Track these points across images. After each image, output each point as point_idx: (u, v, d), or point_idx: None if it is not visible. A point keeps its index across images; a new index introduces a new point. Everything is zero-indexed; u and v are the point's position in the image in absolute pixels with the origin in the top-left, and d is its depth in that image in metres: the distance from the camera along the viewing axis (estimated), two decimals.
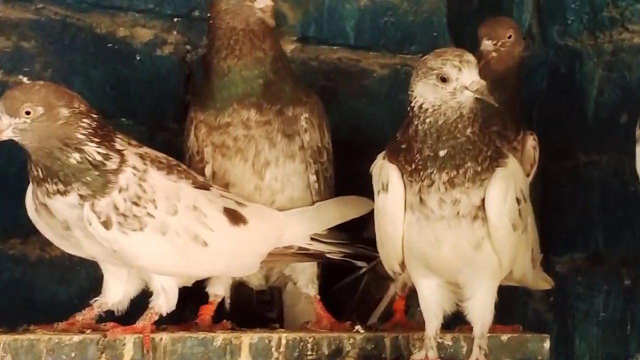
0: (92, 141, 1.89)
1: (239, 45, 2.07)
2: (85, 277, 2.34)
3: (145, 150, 1.97)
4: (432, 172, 1.84)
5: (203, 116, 2.11)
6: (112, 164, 1.90)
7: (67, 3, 2.37)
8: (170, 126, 2.44)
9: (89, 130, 1.89)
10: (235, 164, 2.10)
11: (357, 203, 2.16)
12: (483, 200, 1.85)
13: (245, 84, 2.07)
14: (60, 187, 1.87)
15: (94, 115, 1.91)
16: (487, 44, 2.20)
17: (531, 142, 2.25)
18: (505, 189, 1.86)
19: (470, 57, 1.84)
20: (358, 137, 2.50)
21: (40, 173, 1.87)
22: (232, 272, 2.08)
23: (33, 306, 2.30)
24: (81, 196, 1.87)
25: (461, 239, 1.86)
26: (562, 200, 2.40)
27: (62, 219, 1.90)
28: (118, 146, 1.92)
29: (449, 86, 1.82)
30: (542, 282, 2.19)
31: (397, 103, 2.54)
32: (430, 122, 1.84)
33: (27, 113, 1.85)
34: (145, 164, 1.93)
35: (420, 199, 1.85)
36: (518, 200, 1.89)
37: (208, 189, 2.01)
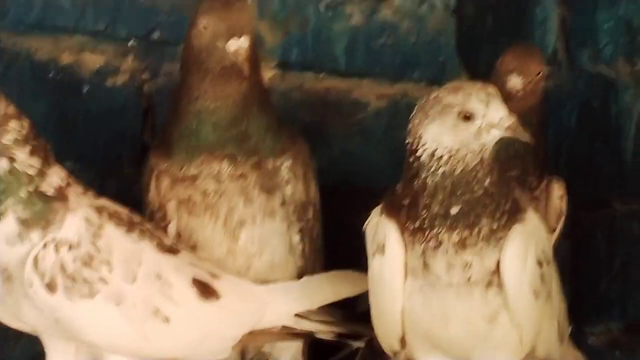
0: (22, 149, 1.92)
1: (212, 87, 2.09)
2: (21, 355, 2.38)
3: (103, 202, 2.00)
4: (440, 231, 1.86)
5: (165, 165, 2.13)
6: (48, 188, 1.93)
7: (1, 25, 2.43)
8: (124, 171, 2.49)
9: (19, 137, 1.92)
10: (204, 223, 2.12)
11: (351, 280, 2.17)
12: (498, 263, 1.88)
13: (217, 132, 2.09)
14: None
15: (25, 123, 1.95)
16: (516, 82, 2.21)
17: (557, 190, 2.28)
18: (525, 249, 1.89)
19: (494, 89, 1.87)
20: (350, 184, 2.54)
21: None
22: (198, 355, 2.08)
23: None
24: (20, 221, 1.90)
25: (473, 311, 1.89)
26: (596, 258, 2.45)
27: (2, 264, 1.93)
28: (53, 177, 1.94)
29: (472, 125, 1.84)
30: None
31: (396, 141, 2.52)
32: (444, 172, 1.86)
33: None
34: (100, 218, 1.96)
35: (424, 263, 1.87)
36: (540, 263, 1.92)
37: (176, 254, 2.03)
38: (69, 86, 2.47)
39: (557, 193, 2.29)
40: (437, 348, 1.95)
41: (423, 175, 1.88)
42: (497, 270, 1.88)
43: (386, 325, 1.97)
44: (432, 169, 1.87)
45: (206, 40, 2.08)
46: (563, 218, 2.29)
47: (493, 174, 1.87)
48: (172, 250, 2.04)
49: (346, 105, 2.61)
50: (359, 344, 2.23)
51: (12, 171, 1.92)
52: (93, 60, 2.49)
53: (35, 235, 1.92)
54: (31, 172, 1.93)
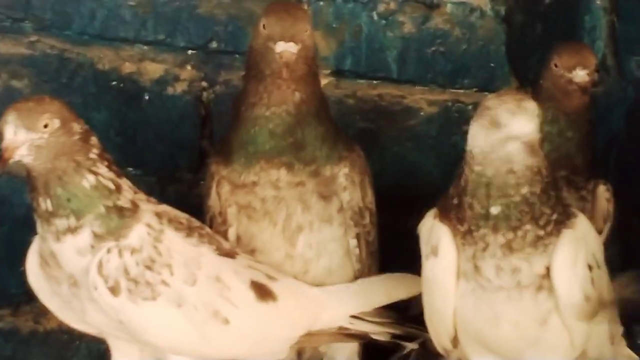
0: (102, 163, 1.97)
1: (267, 93, 2.10)
2: (86, 355, 2.44)
3: (164, 208, 2.05)
4: (486, 233, 1.89)
5: (226, 171, 2.15)
6: (124, 201, 1.97)
7: (65, 35, 2.48)
8: (183, 177, 2.53)
9: (99, 151, 1.97)
10: (263, 228, 2.15)
11: (406, 282, 2.21)
12: (548, 268, 1.90)
13: (273, 140, 2.11)
14: (72, 221, 1.93)
15: (97, 138, 2.00)
16: (582, 75, 2.22)
17: (604, 193, 2.30)
18: (574, 254, 1.91)
19: (531, 104, 1.87)
20: (402, 189, 2.57)
21: (50, 204, 1.93)
22: (255, 356, 2.11)
23: None
24: (95, 235, 1.94)
25: (524, 314, 1.91)
26: None
27: (70, 271, 1.97)
28: (126, 189, 1.99)
29: (499, 132, 1.86)
30: None
31: (448, 147, 2.61)
32: (479, 171, 1.89)
33: (45, 126, 1.92)
34: (161, 223, 2.00)
35: (475, 266, 1.90)
36: (590, 267, 1.94)
37: (234, 258, 2.07)
38: (130, 95, 2.52)
39: (604, 195, 2.30)
40: (489, 349, 1.98)
41: (465, 172, 1.91)
42: (546, 274, 1.90)
43: (438, 325, 2.00)
44: (470, 166, 1.90)
45: (262, 41, 2.09)
46: (610, 221, 2.30)
47: (534, 186, 1.89)
48: (230, 253, 2.08)
49: (398, 111, 2.63)
50: (412, 346, 2.26)
51: (97, 187, 1.95)
52: (153, 70, 2.53)
53: (105, 245, 1.96)
54: (111, 186, 1.97)
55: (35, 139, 1.91)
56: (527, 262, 1.90)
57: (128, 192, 1.99)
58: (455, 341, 2.01)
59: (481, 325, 1.94)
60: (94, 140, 1.98)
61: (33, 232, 2.07)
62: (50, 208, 1.94)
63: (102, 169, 1.97)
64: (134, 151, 2.50)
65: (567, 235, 1.91)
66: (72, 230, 1.94)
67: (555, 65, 2.26)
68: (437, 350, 2.32)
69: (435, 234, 1.95)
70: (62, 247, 1.95)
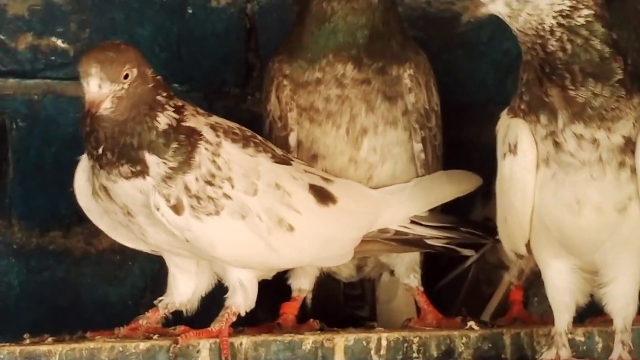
0: (169, 104, 1.97)
1: None
2: (139, 275, 2.41)
3: (216, 119, 2.03)
4: (560, 106, 1.85)
5: (289, 70, 2.15)
6: (187, 136, 1.96)
7: None
8: (231, 92, 2.49)
9: (166, 93, 1.98)
10: (326, 131, 2.14)
11: (462, 178, 2.19)
12: (626, 139, 1.86)
13: (348, 32, 2.12)
14: (137, 168, 1.93)
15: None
16: None
17: None
18: None
19: None
20: (455, 98, 2.50)
21: (111, 155, 1.93)
22: (322, 261, 2.12)
23: (79, 310, 2.38)
24: (161, 178, 1.93)
25: (606, 197, 1.86)
26: None
27: (123, 203, 1.96)
28: (189, 115, 1.99)
29: None
30: None
31: (500, 53, 2.56)
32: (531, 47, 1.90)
33: (126, 77, 1.93)
34: (217, 136, 1.99)
35: (555, 142, 1.86)
36: None
37: (290, 164, 2.06)
38: (174, 9, 2.46)
39: None
40: (565, 246, 1.93)
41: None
42: (626, 148, 1.86)
43: (514, 227, 1.95)
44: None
45: None
46: None
47: (571, 41, 1.86)
48: (285, 160, 2.06)
49: (448, 18, 2.58)
50: (470, 253, 2.23)
51: (169, 130, 1.95)
52: None
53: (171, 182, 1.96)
54: (175, 120, 1.97)
55: (117, 90, 1.92)
56: (604, 132, 1.85)
57: (189, 119, 1.98)
58: (527, 247, 1.96)
59: (562, 215, 1.89)
60: (160, 80, 1.98)
61: (81, 152, 2.04)
62: (113, 158, 1.93)
63: (170, 110, 1.97)
64: (180, 67, 2.46)
65: None
66: (136, 174, 1.93)
67: None
68: (499, 263, 2.29)
69: (512, 131, 1.91)
70: (119, 185, 1.95)
